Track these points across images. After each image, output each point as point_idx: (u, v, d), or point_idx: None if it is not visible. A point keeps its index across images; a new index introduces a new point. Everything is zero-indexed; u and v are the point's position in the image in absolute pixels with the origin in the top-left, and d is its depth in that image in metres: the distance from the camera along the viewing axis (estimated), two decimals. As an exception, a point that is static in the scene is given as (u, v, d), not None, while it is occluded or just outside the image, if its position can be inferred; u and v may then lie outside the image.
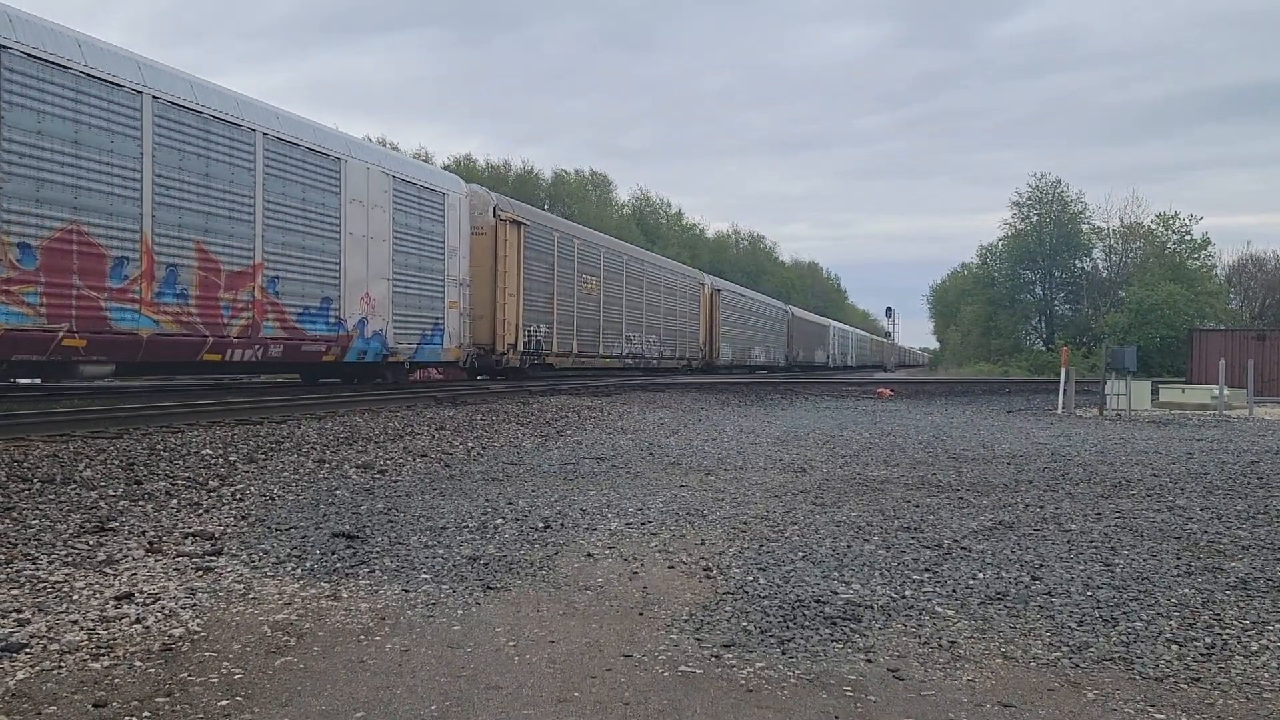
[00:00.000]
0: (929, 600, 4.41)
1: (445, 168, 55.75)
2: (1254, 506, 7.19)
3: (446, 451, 9.88)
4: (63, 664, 3.34)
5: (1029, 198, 58.08)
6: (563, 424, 13.48)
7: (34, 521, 5.49)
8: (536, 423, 13.25)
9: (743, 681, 3.37)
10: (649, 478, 8.32)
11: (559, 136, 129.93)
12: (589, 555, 5.23)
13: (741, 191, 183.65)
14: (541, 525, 5.97)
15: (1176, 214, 55.92)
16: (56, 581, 4.35)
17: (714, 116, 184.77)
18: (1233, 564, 5.22)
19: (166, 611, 3.97)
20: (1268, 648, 3.77)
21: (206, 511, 6.22)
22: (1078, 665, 3.58)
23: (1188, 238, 55.33)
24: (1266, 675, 3.48)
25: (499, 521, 6.05)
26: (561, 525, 6.00)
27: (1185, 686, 3.38)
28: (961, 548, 5.53)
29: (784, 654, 3.66)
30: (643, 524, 6.10)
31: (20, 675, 3.22)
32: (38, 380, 13.84)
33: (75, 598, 4.12)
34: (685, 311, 35.76)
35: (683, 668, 3.49)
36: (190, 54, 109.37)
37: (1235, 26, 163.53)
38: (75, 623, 3.77)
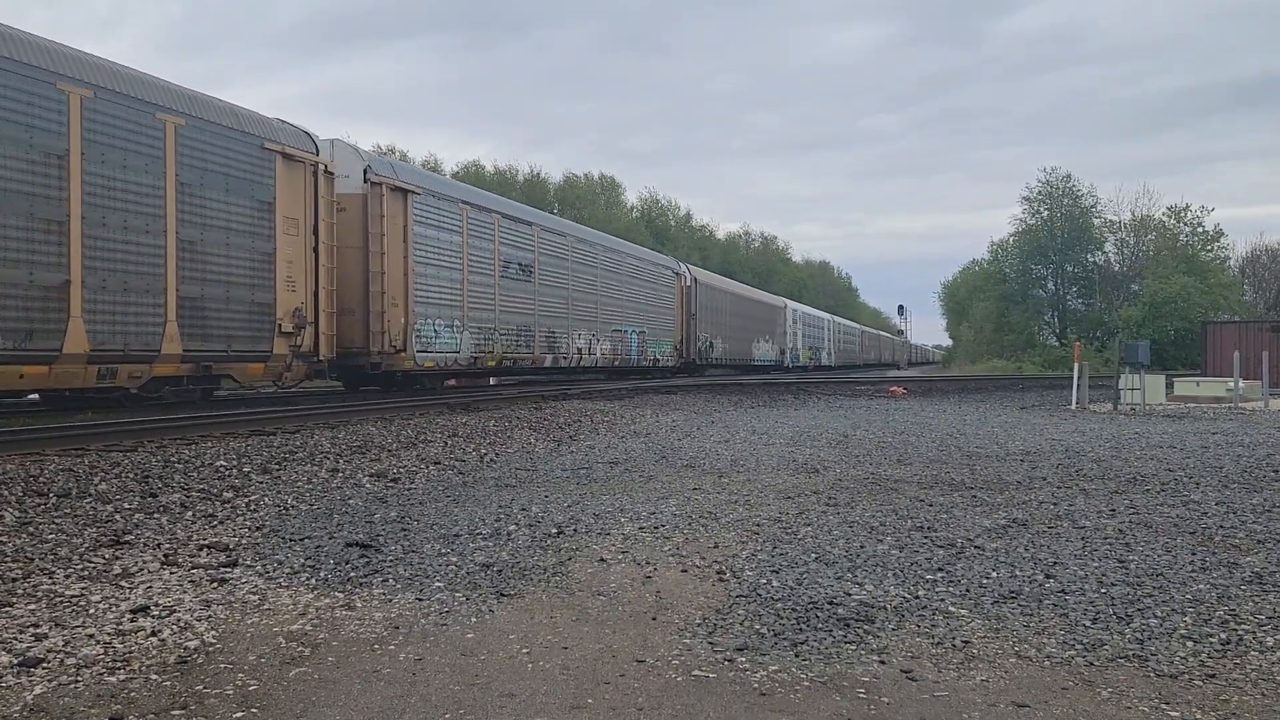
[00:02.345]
0: (942, 600, 4.40)
1: (455, 175, 55.77)
2: (1270, 500, 7.14)
3: (459, 458, 9.90)
4: (79, 678, 3.37)
5: (1039, 193, 57.89)
6: (575, 428, 13.49)
7: (50, 536, 5.54)
8: (549, 428, 13.27)
9: (756, 685, 3.37)
10: (662, 481, 8.33)
11: (568, 141, 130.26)
12: (602, 560, 5.23)
13: (751, 193, 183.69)
14: (554, 531, 5.98)
15: (1188, 206, 55.71)
16: (73, 595, 4.39)
17: (722, 118, 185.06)
18: (1248, 559, 5.19)
19: (182, 624, 4.00)
20: (1284, 643, 3.75)
21: (221, 523, 6.26)
22: (1092, 663, 3.56)
23: (1200, 230, 55.06)
24: (1283, 671, 3.46)
25: (512, 528, 6.07)
26: (574, 530, 6.01)
27: (1200, 683, 3.36)
28: (975, 546, 5.51)
29: (797, 656, 3.66)
30: (656, 528, 6.10)
31: (38, 690, 3.25)
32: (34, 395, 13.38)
33: (91, 611, 4.15)
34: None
35: (696, 672, 3.49)
36: (201, 66, 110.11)
37: (1245, 19, 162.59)
38: (91, 636, 3.80)
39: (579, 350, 24.74)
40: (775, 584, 4.68)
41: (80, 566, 4.93)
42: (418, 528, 6.10)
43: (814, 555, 5.28)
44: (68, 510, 6.23)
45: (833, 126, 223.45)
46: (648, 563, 5.18)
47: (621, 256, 28.79)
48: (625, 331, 28.09)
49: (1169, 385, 23.63)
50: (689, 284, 34.34)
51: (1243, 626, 3.96)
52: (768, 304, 49.20)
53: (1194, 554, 5.29)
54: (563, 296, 23.77)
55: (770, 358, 47.33)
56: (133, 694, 3.24)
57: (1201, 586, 4.59)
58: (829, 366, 62.25)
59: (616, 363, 27.39)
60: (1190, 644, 3.76)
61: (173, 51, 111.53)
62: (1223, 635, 3.85)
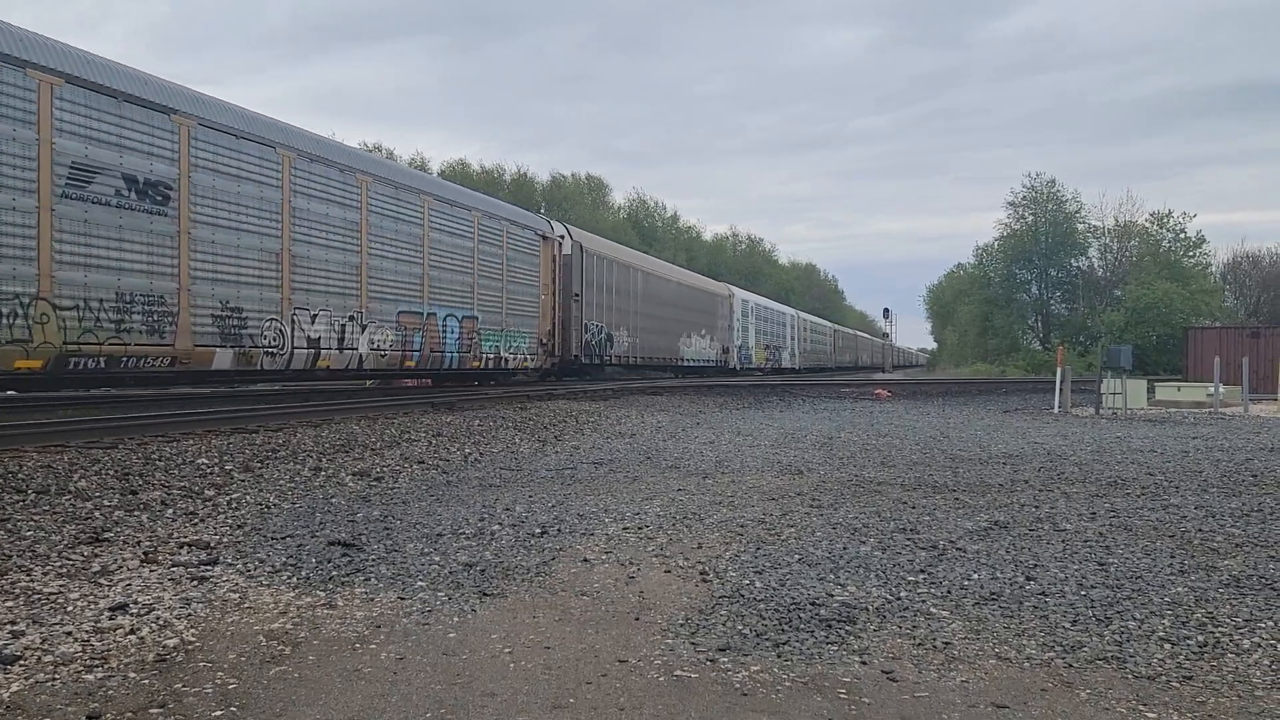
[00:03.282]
0: (924, 601, 4.42)
1: (441, 174, 55.66)
2: (1248, 504, 7.21)
3: (443, 458, 9.88)
4: (57, 676, 3.34)
5: (1024, 198, 58.28)
6: (560, 429, 13.48)
7: (28, 533, 5.49)
8: (534, 428, 13.26)
9: (738, 685, 3.37)
10: (646, 481, 8.33)
11: (557, 142, 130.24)
12: (586, 560, 5.23)
13: (741, 194, 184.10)
14: (538, 531, 5.97)
15: (1170, 212, 56.15)
16: (51, 593, 4.35)
17: (712, 119, 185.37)
18: (1226, 562, 5.24)
19: (161, 622, 3.97)
20: (1259, 645, 3.79)
21: (202, 521, 6.22)
22: (1071, 665, 3.59)
23: (1182, 236, 55.53)
24: (1258, 673, 3.49)
25: (495, 527, 6.06)
26: (558, 530, 6.00)
27: (1177, 685, 3.39)
28: (957, 548, 5.54)
29: (779, 657, 3.66)
30: (640, 528, 6.11)
31: (14, 687, 3.22)
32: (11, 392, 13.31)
33: (70, 609, 4.12)
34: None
35: (678, 672, 3.50)
36: (189, 65, 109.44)
37: (1229, 23, 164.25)
38: (69, 634, 3.77)
39: (306, 338, 14.11)
40: (758, 584, 4.69)
41: (59, 564, 4.89)
42: (401, 527, 6.08)
43: (797, 556, 5.29)
44: (46, 507, 6.18)
45: (823, 128, 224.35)
46: (631, 563, 5.18)
47: (423, 199, 17.53)
48: (433, 316, 17.72)
49: (1151, 390, 23.81)
50: (568, 252, 24.16)
51: (1220, 629, 4.00)
52: (706, 290, 38.81)
53: (1173, 557, 5.34)
54: (264, 250, 13.26)
55: (708, 357, 37.65)
56: (111, 692, 3.22)
57: (1180, 589, 4.62)
58: (791, 370, 53.61)
59: (410, 362, 17.15)
60: (1168, 646, 3.79)
61: (160, 50, 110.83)
62: (1200, 638, 3.88)
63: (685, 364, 35.23)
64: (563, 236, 24.33)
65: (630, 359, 29.39)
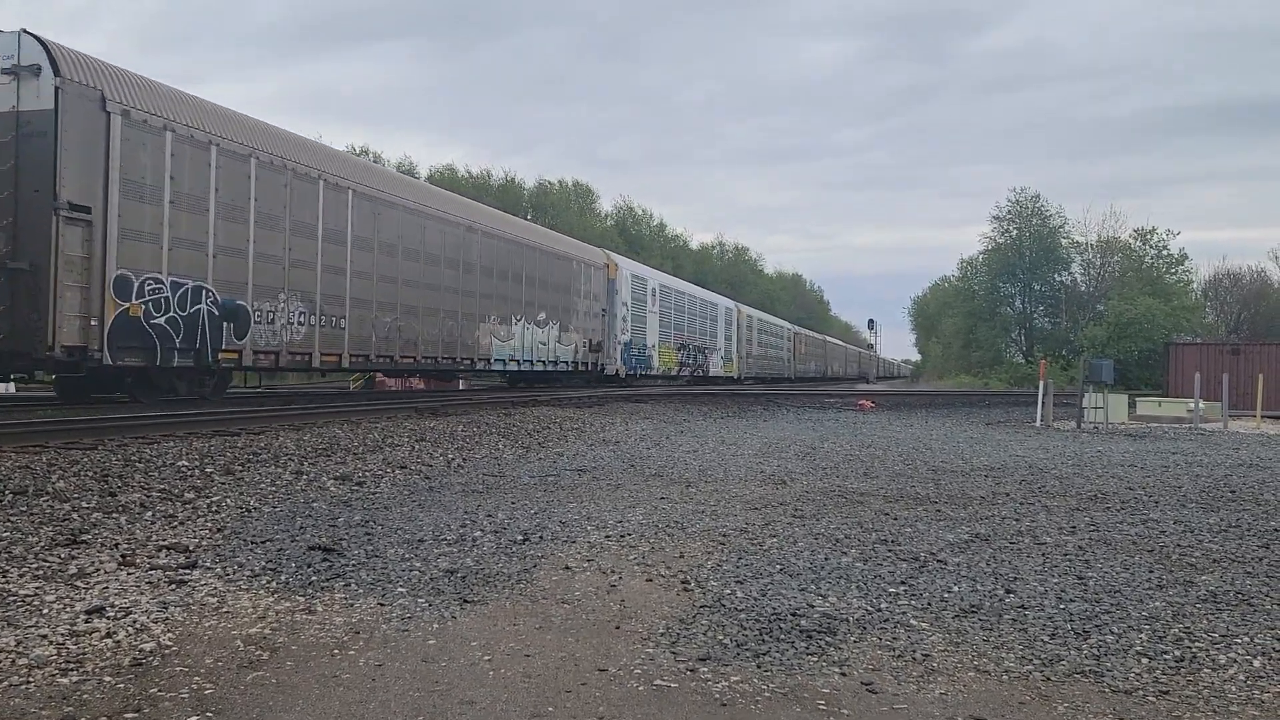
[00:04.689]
0: (904, 613, 4.43)
1: (429, 178, 55.52)
2: (1226, 520, 7.27)
3: (426, 463, 9.84)
4: (31, 679, 3.31)
5: (1008, 212, 58.62)
6: (544, 435, 13.46)
7: (4, 534, 5.43)
8: (518, 434, 13.23)
9: (717, 695, 3.37)
10: (629, 489, 8.32)
11: (543, 146, 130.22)
12: (567, 568, 5.22)
13: (725, 203, 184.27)
14: (520, 538, 5.96)
15: (1154, 229, 56.63)
16: (26, 595, 4.31)
17: (696, 127, 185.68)
18: (1203, 577, 5.28)
19: (138, 625, 3.94)
20: (1235, 661, 3.81)
21: (181, 524, 6.18)
22: (1049, 678, 3.60)
23: (1165, 252, 56.01)
24: (1234, 688, 3.52)
25: (477, 534, 6.04)
26: (540, 538, 5.99)
27: (1154, 699, 3.41)
28: (938, 560, 5.56)
29: (759, 667, 3.67)
30: (622, 536, 6.10)
31: (-13, 691, 3.19)
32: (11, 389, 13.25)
33: (45, 611, 4.08)
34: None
35: (658, 682, 3.49)
36: (177, 62, 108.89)
37: (1206, 42, 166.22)
38: (45, 637, 3.73)
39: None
40: (740, 594, 4.69)
41: (35, 565, 4.84)
42: (382, 532, 6.06)
43: (779, 566, 5.30)
44: (23, 508, 6.11)
45: (805, 138, 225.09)
46: (613, 571, 5.17)
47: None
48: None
49: (1132, 404, 23.99)
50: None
51: (1197, 644, 4.02)
52: (553, 254, 25.38)
53: (1151, 572, 5.37)
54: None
55: (555, 357, 25.04)
56: (85, 696, 3.18)
57: (1158, 604, 4.65)
58: (730, 379, 42.73)
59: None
60: (1145, 660, 3.81)
61: (148, 47, 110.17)
62: (1177, 652, 3.90)
63: (491, 366, 21.83)
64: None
65: (372, 356, 17.04)
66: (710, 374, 40.37)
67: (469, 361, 20.43)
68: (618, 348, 29.57)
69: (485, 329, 21.05)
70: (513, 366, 22.75)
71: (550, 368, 24.90)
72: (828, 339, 79.62)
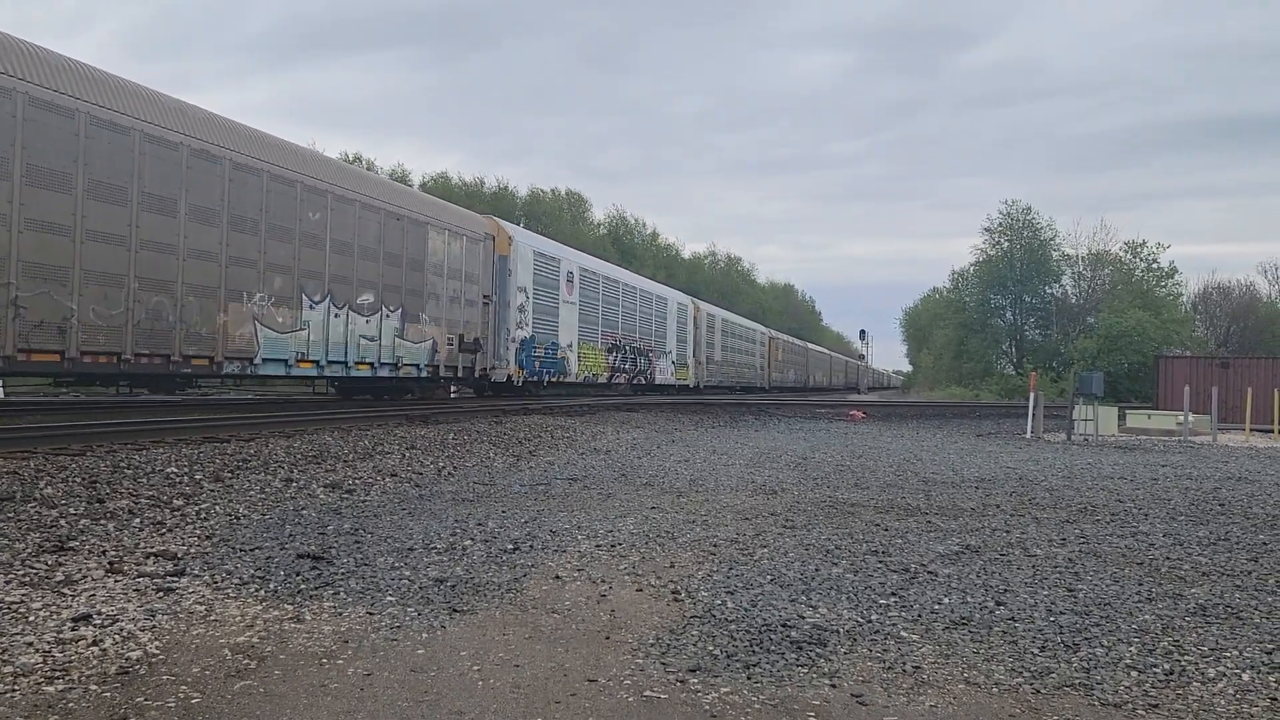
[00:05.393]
0: (894, 625, 4.43)
1: (422, 186, 55.46)
2: (1215, 533, 7.29)
3: (417, 471, 9.81)
4: (16, 687, 3.28)
5: (1000, 224, 58.87)
6: (535, 444, 13.43)
7: (-8, 540, 5.39)
8: (509, 442, 13.20)
9: (707, 707, 3.36)
10: (620, 499, 8.31)
11: (536, 155, 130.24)
12: (557, 578, 5.21)
13: (718, 213, 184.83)
14: (510, 547, 5.94)
15: (1144, 242, 56.92)
16: (12, 602, 4.27)
17: (689, 138, 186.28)
18: (1193, 590, 5.29)
19: (125, 633, 3.91)
20: (1224, 674, 3.82)
21: (170, 531, 6.14)
22: (1039, 691, 3.60)
23: (1155, 265, 56.30)
24: (1223, 702, 3.53)
25: (468, 543, 6.02)
26: (531, 547, 5.97)
27: (1143, 713, 3.41)
28: (928, 572, 5.56)
29: (749, 679, 3.66)
30: (613, 546, 6.09)
31: (-28, 699, 3.16)
32: None
33: (31, 619, 4.05)
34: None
35: (648, 693, 3.48)
36: (168, 69, 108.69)
37: (1195, 59, 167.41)
38: (30, 645, 3.70)
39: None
40: (730, 605, 4.68)
41: (21, 572, 4.81)
42: (371, 540, 6.03)
43: (769, 577, 5.29)
44: (10, 514, 6.07)
45: (797, 150, 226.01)
46: (603, 581, 5.16)
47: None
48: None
49: (1121, 417, 24.07)
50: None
51: (1186, 657, 4.03)
52: (415, 221, 17.83)
53: (1141, 585, 5.38)
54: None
55: (395, 358, 17.11)
56: (71, 704, 3.16)
57: (1147, 617, 4.66)
58: (683, 387, 36.64)
59: None
60: (1135, 674, 3.81)
61: (140, 53, 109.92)
62: (1166, 666, 3.91)
63: (257, 368, 14.20)
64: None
65: None
66: (656, 381, 33.47)
67: (207, 361, 12.75)
68: (510, 346, 21.37)
69: (242, 312, 13.34)
70: (307, 370, 14.90)
71: (386, 371, 16.73)
72: (809, 346, 71.70)
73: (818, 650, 4.01)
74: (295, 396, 19.11)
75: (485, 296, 20.33)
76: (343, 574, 5.10)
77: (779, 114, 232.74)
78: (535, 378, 23.18)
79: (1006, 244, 58.44)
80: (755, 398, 37.43)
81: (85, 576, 4.82)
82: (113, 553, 5.39)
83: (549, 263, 24.20)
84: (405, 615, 4.37)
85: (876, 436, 18.51)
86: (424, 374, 18.21)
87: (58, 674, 3.42)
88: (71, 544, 5.50)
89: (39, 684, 3.32)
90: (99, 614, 4.15)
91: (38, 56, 10.52)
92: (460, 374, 19.55)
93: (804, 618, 4.49)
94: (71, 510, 6.38)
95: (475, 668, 3.69)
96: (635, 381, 31.55)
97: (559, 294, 24.66)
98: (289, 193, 14.28)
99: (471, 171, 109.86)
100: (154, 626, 4.04)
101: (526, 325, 22.44)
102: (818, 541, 6.43)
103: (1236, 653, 4.09)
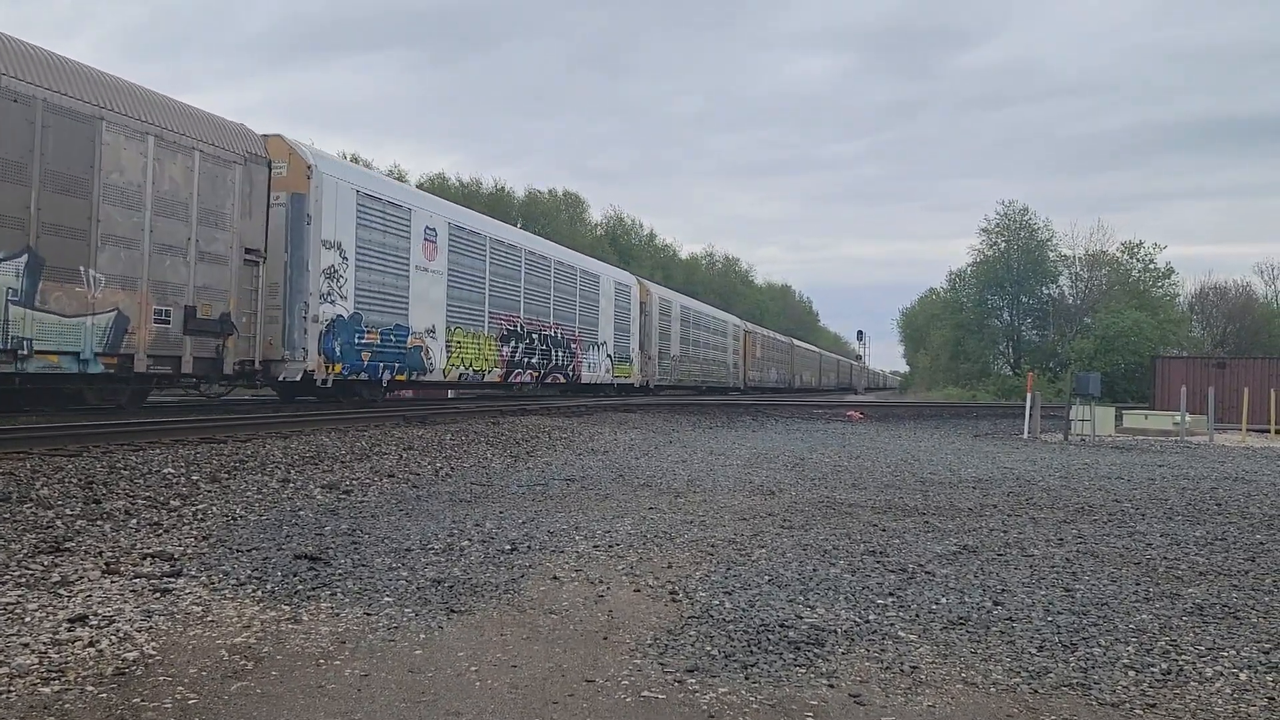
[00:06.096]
0: (892, 625, 4.42)
1: (420, 186, 55.48)
2: (1212, 533, 7.30)
3: (414, 472, 9.81)
4: (11, 689, 3.27)
5: (997, 225, 58.98)
6: (533, 444, 13.43)
7: (-12, 541, 5.38)
8: (506, 443, 13.19)
9: (705, 707, 3.36)
10: (618, 499, 8.31)
11: (532, 156, 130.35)
12: (555, 578, 5.20)
13: (716, 214, 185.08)
14: (508, 547, 5.94)
15: (1141, 243, 57.04)
16: (8, 603, 4.26)
17: (687, 139, 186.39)
18: (1190, 590, 5.29)
19: (121, 634, 3.90)
20: (1222, 674, 3.82)
21: (166, 531, 6.13)
22: (1036, 691, 3.60)
23: (1151, 266, 56.43)
24: (1220, 701, 3.53)
25: (465, 543, 6.01)
26: (528, 547, 5.97)
27: (1141, 712, 3.41)
28: (926, 572, 5.56)
29: (747, 679, 3.65)
30: (610, 546, 6.08)
31: (-33, 700, 3.15)
32: None
33: (27, 620, 4.04)
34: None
35: (645, 693, 3.48)
36: (163, 69, 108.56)
37: (1193, 60, 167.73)
38: (26, 646, 3.69)
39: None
40: (728, 605, 4.68)
41: (17, 573, 4.79)
42: (368, 541, 6.02)
43: (767, 577, 5.29)
44: (6, 515, 6.06)
45: (794, 151, 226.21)
46: (601, 581, 5.16)
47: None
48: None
49: (1118, 417, 24.10)
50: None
51: (1183, 657, 4.03)
52: (75, 115, 10.48)
53: (1138, 584, 5.39)
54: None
55: (59, 345, 10.42)
56: (67, 706, 3.15)
57: (1145, 617, 4.67)
58: (625, 386, 30.94)
59: None
60: (1132, 673, 3.81)
61: (136, 54, 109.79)
62: (1164, 665, 3.91)
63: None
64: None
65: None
66: (583, 379, 27.27)
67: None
68: (310, 328, 14.79)
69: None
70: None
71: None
72: (795, 342, 64.57)
73: (815, 650, 4.01)
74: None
75: (249, 251, 13.77)
76: (340, 575, 5.09)
77: (777, 115, 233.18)
78: (363, 374, 16.42)
79: (1004, 244, 58.56)
80: (751, 399, 36.89)
81: (81, 577, 4.81)
82: (109, 553, 5.38)
83: (390, 211, 17.11)
84: (403, 616, 4.36)
85: (874, 437, 18.52)
86: (100, 368, 11.30)
87: (54, 675, 3.41)
88: (68, 545, 5.48)
89: (35, 685, 3.31)
90: (95, 615, 4.14)
91: None
92: (193, 367, 12.78)
93: (802, 618, 4.49)
94: (68, 511, 6.36)
95: (473, 668, 3.69)
96: (549, 380, 24.89)
97: (411, 257, 17.73)
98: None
99: (470, 172, 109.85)
100: (150, 627, 4.03)
101: (343, 298, 15.66)
102: (815, 542, 6.43)
103: (1234, 652, 4.10)
